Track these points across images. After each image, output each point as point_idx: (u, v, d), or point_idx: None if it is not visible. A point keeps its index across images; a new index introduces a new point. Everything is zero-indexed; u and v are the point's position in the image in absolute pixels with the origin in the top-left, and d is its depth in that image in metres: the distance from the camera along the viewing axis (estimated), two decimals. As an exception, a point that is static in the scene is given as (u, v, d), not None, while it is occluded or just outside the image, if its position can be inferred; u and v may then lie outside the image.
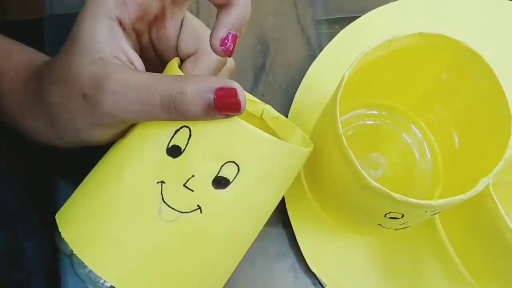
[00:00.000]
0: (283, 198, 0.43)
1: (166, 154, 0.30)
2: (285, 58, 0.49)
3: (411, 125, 0.45)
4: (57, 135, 0.34)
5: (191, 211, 0.30)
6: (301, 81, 0.47)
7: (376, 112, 0.45)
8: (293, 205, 0.44)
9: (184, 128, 0.30)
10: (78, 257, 0.30)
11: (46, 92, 0.32)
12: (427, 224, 0.44)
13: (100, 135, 0.32)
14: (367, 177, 0.31)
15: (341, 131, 0.32)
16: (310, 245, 0.43)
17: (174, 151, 0.30)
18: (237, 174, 0.30)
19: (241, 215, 0.31)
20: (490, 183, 0.34)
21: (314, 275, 0.42)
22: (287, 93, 0.48)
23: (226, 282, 0.35)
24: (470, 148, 0.39)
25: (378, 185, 0.31)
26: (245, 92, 0.29)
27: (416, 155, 0.45)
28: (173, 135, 0.30)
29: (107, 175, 0.32)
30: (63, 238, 0.31)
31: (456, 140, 0.41)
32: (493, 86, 0.33)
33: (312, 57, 0.48)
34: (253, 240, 0.34)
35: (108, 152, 0.33)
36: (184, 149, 0.30)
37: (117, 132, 0.32)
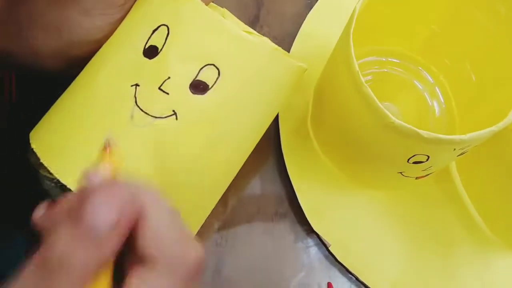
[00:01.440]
0: (280, 150, 0.40)
1: (142, 55, 0.28)
2: (280, 8, 0.46)
3: (422, 70, 0.43)
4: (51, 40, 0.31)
5: (165, 117, 0.27)
6: (297, 33, 0.44)
7: (383, 59, 0.42)
8: (293, 157, 0.40)
9: (162, 26, 0.28)
10: (45, 165, 0.27)
11: None
12: (444, 177, 0.41)
13: (87, 24, 0.30)
14: (390, 115, 0.29)
15: (357, 69, 0.29)
16: (312, 203, 0.40)
17: (151, 52, 0.28)
18: (217, 79, 0.28)
19: (220, 127, 0.28)
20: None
21: (317, 235, 0.39)
22: (283, 46, 0.43)
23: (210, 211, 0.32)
24: (488, 84, 0.37)
25: (403, 123, 0.28)
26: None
27: (429, 101, 0.42)
28: (151, 34, 0.28)
29: (81, 81, 0.30)
30: (32, 149, 0.28)
31: (473, 77, 0.38)
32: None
33: (309, 7, 0.45)
34: (237, 165, 0.31)
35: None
36: (161, 49, 0.27)
37: (105, 22, 0.30)
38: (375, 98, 0.29)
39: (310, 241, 0.40)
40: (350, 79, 0.30)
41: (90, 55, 0.31)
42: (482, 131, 0.28)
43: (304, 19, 0.45)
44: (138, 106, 0.27)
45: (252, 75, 0.28)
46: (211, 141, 0.28)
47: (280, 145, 0.41)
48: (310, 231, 0.40)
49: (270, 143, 0.42)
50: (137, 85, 0.28)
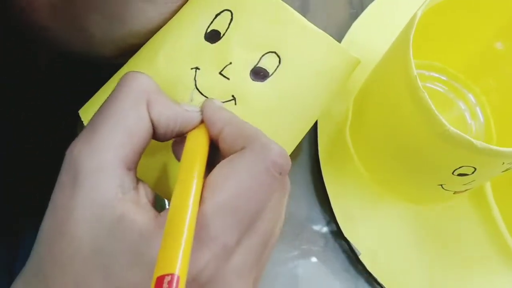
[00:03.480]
0: (316, 155, 0.40)
1: (204, 39, 0.28)
2: (326, 15, 0.46)
3: (463, 88, 0.43)
4: (99, 30, 0.31)
5: (225, 102, 0.28)
6: (341, 40, 0.44)
7: (426, 73, 0.43)
8: (329, 162, 0.40)
9: (226, 11, 0.28)
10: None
11: None
12: (478, 195, 0.41)
13: (151, 12, 0.30)
14: (446, 123, 0.29)
15: (415, 73, 0.29)
16: (346, 210, 0.39)
17: (213, 36, 0.28)
18: (277, 66, 0.28)
19: (278, 113, 0.28)
20: None
21: (347, 242, 0.39)
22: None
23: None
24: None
25: (458, 131, 0.28)
26: None
27: (468, 120, 0.42)
28: (214, 18, 0.28)
29: (139, 61, 0.29)
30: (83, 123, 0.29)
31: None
32: None
33: (354, 16, 0.46)
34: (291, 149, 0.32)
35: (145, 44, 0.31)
36: (223, 34, 0.28)
37: (168, 10, 0.30)
38: (431, 104, 0.29)
39: (339, 248, 0.40)
40: (406, 84, 0.30)
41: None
42: (535, 145, 0.28)
43: (347, 29, 0.45)
44: (198, 89, 0.28)
45: (312, 64, 0.28)
46: (267, 128, 0.28)
47: (317, 150, 0.40)
48: (340, 238, 0.39)
49: (307, 147, 0.42)
50: (197, 68, 0.28)
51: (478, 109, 0.42)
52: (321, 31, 0.28)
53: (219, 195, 0.21)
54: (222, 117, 0.25)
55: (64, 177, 0.22)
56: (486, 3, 0.35)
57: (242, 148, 0.23)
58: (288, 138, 0.30)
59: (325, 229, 0.40)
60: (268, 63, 0.28)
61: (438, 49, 0.41)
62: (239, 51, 0.28)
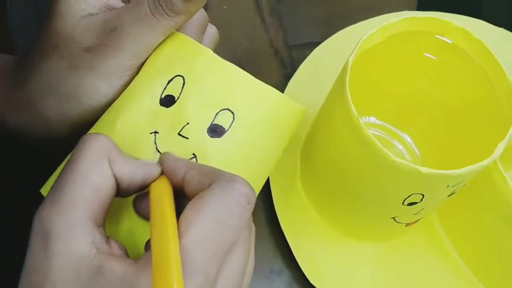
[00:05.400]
0: (272, 209, 0.41)
1: (159, 105, 0.30)
2: (260, 79, 0.49)
3: (398, 131, 0.46)
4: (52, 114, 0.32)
5: None
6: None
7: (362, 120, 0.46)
8: (286, 215, 0.42)
9: (177, 77, 0.30)
10: None
11: (44, 62, 0.31)
12: (427, 225, 0.43)
13: (106, 88, 0.31)
14: (391, 154, 0.31)
15: (356, 113, 0.32)
16: (309, 258, 0.41)
17: (168, 101, 0.30)
18: (232, 122, 0.30)
19: (236, 166, 0.30)
20: (498, 159, 0.35)
21: (314, 288, 0.40)
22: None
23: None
24: (467, 132, 0.40)
25: (403, 161, 0.31)
26: None
27: (407, 157, 0.46)
28: (167, 84, 0.30)
29: (98, 131, 0.31)
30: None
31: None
32: (488, 61, 0.35)
33: (288, 76, 0.48)
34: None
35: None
36: (178, 97, 0.29)
37: (121, 83, 0.31)
38: (374, 139, 0.31)
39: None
40: (349, 125, 0.32)
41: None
42: (473, 166, 0.31)
43: (284, 88, 0.48)
44: (160, 152, 0.29)
45: (264, 116, 0.31)
46: None
47: (272, 204, 0.42)
48: (307, 285, 0.40)
49: (262, 202, 0.43)
50: (156, 132, 0.29)
51: (414, 146, 0.46)
52: (268, 86, 0.31)
53: (195, 230, 0.22)
54: (183, 164, 0.27)
55: (35, 241, 0.22)
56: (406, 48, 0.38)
57: (209, 185, 0.24)
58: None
59: (291, 280, 0.41)
60: (223, 120, 0.30)
61: (367, 104, 0.44)
62: (194, 111, 0.29)
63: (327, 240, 0.42)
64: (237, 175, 0.25)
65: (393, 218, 0.37)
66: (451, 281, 0.42)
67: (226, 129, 0.30)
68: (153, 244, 0.22)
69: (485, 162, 0.31)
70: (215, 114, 0.29)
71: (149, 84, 0.30)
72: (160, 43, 0.32)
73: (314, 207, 0.42)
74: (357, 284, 0.41)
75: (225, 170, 0.29)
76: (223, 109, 0.30)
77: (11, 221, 0.38)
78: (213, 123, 0.29)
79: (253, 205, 0.25)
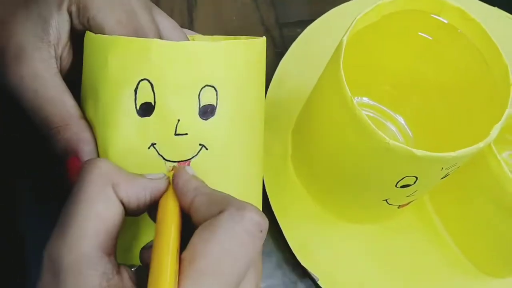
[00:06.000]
0: (264, 191, 0.41)
1: (140, 117, 0.28)
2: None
3: (392, 112, 0.46)
4: None
5: (198, 153, 0.28)
6: (270, 79, 0.46)
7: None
8: (277, 196, 0.41)
9: (142, 82, 0.27)
10: None
11: None
12: (419, 206, 0.43)
13: None
14: (385, 136, 0.30)
15: (350, 94, 0.31)
16: (299, 239, 0.41)
17: (147, 110, 0.28)
18: (216, 94, 0.28)
19: (241, 127, 0.30)
20: (492, 142, 0.34)
21: (304, 269, 0.40)
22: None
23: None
24: (462, 114, 0.39)
25: (398, 143, 0.30)
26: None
27: (399, 138, 0.45)
28: (135, 95, 0.28)
29: None
30: None
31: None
32: (484, 41, 0.34)
33: (279, 55, 0.48)
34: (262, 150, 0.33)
35: None
36: (154, 101, 0.28)
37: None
38: (369, 120, 0.30)
39: (297, 277, 0.40)
40: (342, 106, 0.32)
41: None
42: (468, 149, 0.30)
43: (275, 67, 0.47)
44: (169, 161, 0.28)
45: (237, 70, 0.29)
46: (240, 146, 0.30)
47: (263, 185, 0.41)
48: (297, 266, 0.40)
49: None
50: (153, 144, 0.28)
51: (407, 127, 0.45)
52: (224, 41, 0.29)
53: (201, 261, 0.22)
54: (192, 187, 0.25)
55: (45, 277, 0.22)
56: (401, 28, 0.38)
57: (219, 213, 0.23)
58: (258, 136, 0.32)
59: (280, 261, 0.41)
60: (208, 97, 0.28)
61: (362, 84, 0.43)
62: (178, 105, 0.28)
63: (318, 222, 0.42)
64: (247, 203, 0.24)
65: (386, 200, 0.37)
66: (441, 261, 0.43)
67: (215, 105, 0.28)
68: (151, 270, 0.22)
69: (481, 144, 0.31)
70: (197, 97, 0.28)
71: (117, 103, 0.28)
72: (103, 58, 0.28)
73: (305, 188, 0.42)
74: (347, 265, 0.40)
75: (236, 140, 0.29)
76: (201, 88, 0.28)
77: (11, 221, 0.38)
78: (201, 106, 0.28)
79: (265, 233, 0.24)
